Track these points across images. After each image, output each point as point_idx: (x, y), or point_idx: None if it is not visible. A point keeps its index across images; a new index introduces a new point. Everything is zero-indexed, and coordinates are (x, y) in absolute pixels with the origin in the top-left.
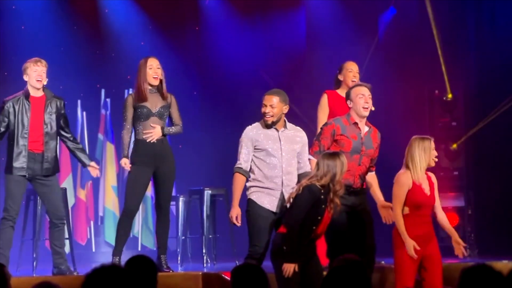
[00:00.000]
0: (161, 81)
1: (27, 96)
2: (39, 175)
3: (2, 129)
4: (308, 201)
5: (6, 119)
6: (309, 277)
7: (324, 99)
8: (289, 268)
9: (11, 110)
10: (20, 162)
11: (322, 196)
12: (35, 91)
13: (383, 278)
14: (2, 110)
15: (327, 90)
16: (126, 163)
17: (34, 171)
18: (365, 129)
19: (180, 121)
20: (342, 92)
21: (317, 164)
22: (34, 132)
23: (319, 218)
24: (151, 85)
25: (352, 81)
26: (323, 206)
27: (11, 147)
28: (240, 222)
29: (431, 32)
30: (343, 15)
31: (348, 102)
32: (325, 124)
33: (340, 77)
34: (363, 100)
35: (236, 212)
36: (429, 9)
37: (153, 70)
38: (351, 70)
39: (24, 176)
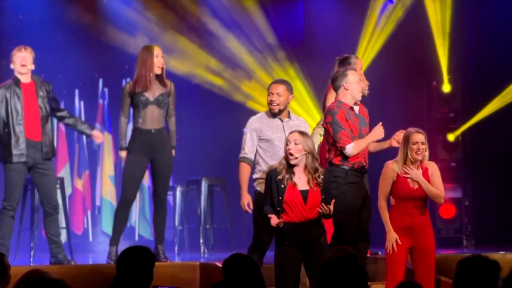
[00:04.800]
0: (162, 68)
1: (17, 83)
2: (39, 162)
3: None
4: (266, 184)
5: (3, 107)
6: (314, 262)
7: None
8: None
9: (3, 97)
10: (19, 149)
11: (279, 176)
12: (24, 77)
13: (380, 269)
14: None
15: None
16: (125, 156)
17: (34, 159)
18: (356, 108)
19: (174, 111)
20: None
21: None
22: (30, 118)
23: (280, 198)
24: (153, 75)
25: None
26: (282, 186)
27: (7, 135)
28: (252, 208)
29: (429, 24)
30: (341, 6)
31: (346, 84)
32: (335, 113)
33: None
34: (360, 84)
35: (246, 199)
36: (427, 1)
37: (159, 59)
38: (361, 67)
39: (25, 163)
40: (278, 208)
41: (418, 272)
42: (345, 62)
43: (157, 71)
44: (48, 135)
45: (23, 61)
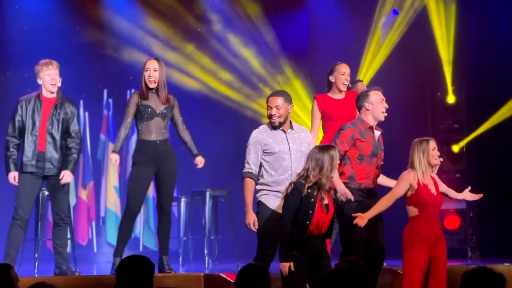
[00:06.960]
0: (159, 84)
1: (39, 96)
2: (51, 174)
3: (18, 130)
4: (294, 197)
5: (20, 118)
6: (317, 275)
7: (315, 105)
8: (283, 267)
9: (23, 109)
10: (29, 160)
11: (309, 190)
12: (49, 93)
13: (384, 281)
14: (16, 110)
15: (316, 95)
16: (116, 159)
17: (41, 169)
18: (376, 133)
19: (184, 123)
20: (333, 94)
21: (307, 158)
22: (42, 131)
23: (310, 212)
24: (148, 87)
25: (343, 84)
26: (312, 200)
27: (22, 144)
28: (257, 227)
29: (434, 34)
30: (346, 16)
31: (367, 105)
32: (343, 128)
33: (331, 79)
34: (383, 105)
35: (252, 218)
36: (431, 11)
37: (149, 72)
38: (343, 73)
39: (31, 173)
40: (308, 222)
41: (433, 282)
42: (330, 71)
43: (148, 84)
44: (55, 152)
45: (52, 80)
